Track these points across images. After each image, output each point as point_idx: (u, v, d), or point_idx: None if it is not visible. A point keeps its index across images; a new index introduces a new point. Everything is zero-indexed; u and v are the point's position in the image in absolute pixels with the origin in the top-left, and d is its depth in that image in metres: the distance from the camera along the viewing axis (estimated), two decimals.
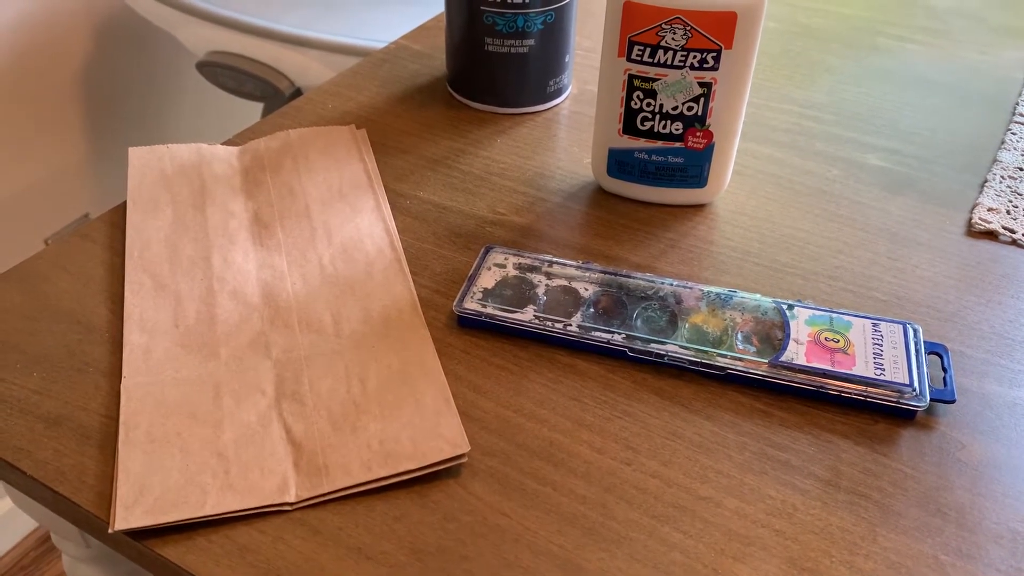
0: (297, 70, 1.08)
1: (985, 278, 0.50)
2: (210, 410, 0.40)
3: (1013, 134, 0.62)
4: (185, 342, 0.44)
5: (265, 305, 0.46)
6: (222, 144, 0.59)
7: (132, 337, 0.44)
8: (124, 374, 0.42)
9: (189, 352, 0.43)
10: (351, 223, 0.52)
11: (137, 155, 0.56)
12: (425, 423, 0.40)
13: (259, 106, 1.25)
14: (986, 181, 0.57)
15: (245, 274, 0.48)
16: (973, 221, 0.54)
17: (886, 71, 0.70)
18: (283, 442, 0.39)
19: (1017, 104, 0.66)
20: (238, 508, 0.36)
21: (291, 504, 0.37)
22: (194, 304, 0.46)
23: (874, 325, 0.44)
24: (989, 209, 0.55)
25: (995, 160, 0.60)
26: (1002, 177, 0.58)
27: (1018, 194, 0.56)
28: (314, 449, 0.39)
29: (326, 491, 0.37)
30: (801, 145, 0.61)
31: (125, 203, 0.53)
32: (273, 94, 1.14)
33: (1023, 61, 0.72)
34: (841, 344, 0.43)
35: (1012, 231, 0.53)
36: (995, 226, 0.53)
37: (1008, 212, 0.55)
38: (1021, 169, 0.59)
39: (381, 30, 1.04)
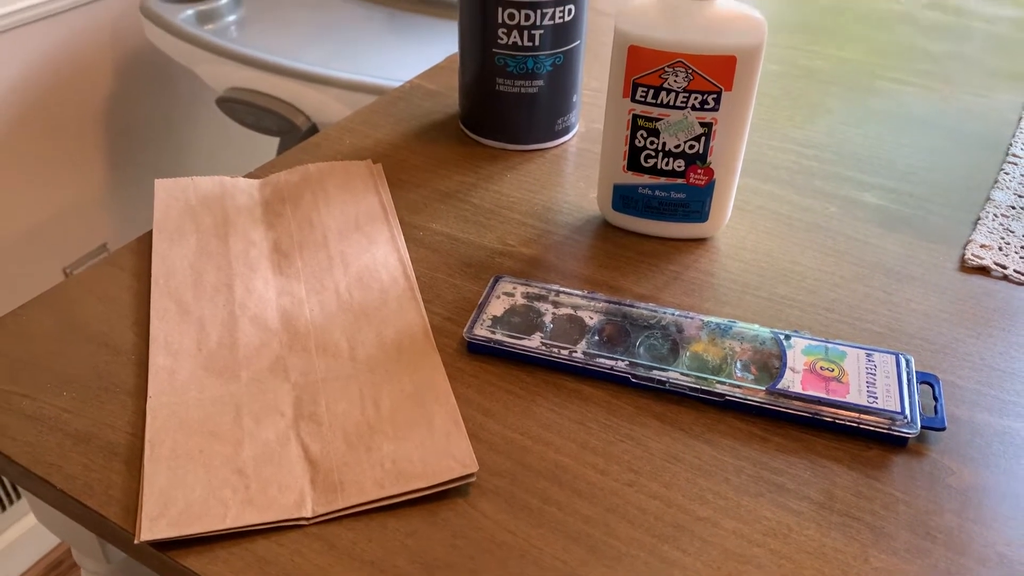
0: (314, 107, 1.12)
1: (977, 312, 0.52)
2: (231, 429, 0.42)
3: (1006, 174, 0.64)
4: (208, 365, 0.46)
5: (284, 330, 0.48)
6: (244, 177, 0.61)
7: (157, 359, 0.46)
8: (149, 394, 0.44)
9: (211, 374, 0.45)
10: (367, 253, 0.54)
11: (163, 186, 0.59)
12: (436, 444, 0.41)
13: (275, 141, 1.28)
14: (979, 219, 0.59)
15: (265, 301, 0.50)
16: (966, 257, 0.56)
17: (884, 113, 0.73)
18: (300, 460, 0.41)
19: (1011, 145, 0.68)
20: (257, 522, 0.38)
21: (308, 519, 0.39)
22: (216, 329, 0.48)
23: (868, 355, 0.46)
24: (982, 245, 0.57)
25: (988, 198, 0.62)
26: (995, 215, 0.60)
27: (1010, 231, 0.58)
28: (330, 467, 0.40)
29: (341, 507, 0.39)
30: (801, 183, 0.63)
31: (149, 232, 0.56)
32: (290, 129, 1.17)
33: (1017, 104, 0.74)
34: (836, 373, 0.45)
35: (1004, 267, 0.55)
36: (987, 262, 0.55)
37: (1000, 248, 0.57)
38: (1013, 207, 0.61)
39: (396, 69, 1.08)
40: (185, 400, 0.44)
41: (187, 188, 0.59)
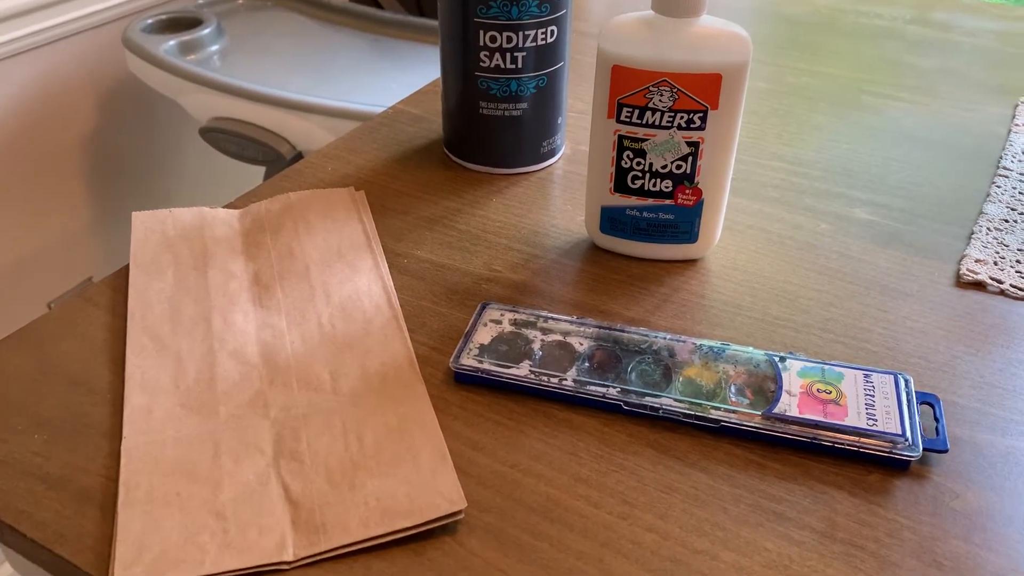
0: (298, 135, 1.11)
1: (974, 328, 0.51)
2: (209, 469, 0.41)
3: (998, 187, 0.64)
4: (185, 402, 0.44)
5: (264, 364, 0.47)
6: (223, 207, 0.60)
7: (133, 398, 0.45)
8: (125, 434, 0.43)
9: (189, 412, 0.44)
10: (350, 282, 0.53)
11: (140, 219, 0.58)
12: (422, 480, 0.40)
13: (261, 170, 1.27)
14: (972, 233, 0.59)
15: (245, 334, 0.49)
16: (961, 272, 0.55)
17: (873, 128, 0.72)
18: (281, 500, 0.39)
19: (1001, 158, 0.67)
20: (236, 567, 0.36)
21: (289, 563, 0.37)
22: (194, 364, 0.47)
23: (866, 376, 0.45)
24: (976, 260, 0.56)
25: (981, 212, 0.61)
26: (988, 229, 0.59)
27: (1004, 245, 0.57)
28: (312, 507, 0.39)
29: (324, 549, 0.37)
30: (790, 200, 0.62)
31: (127, 267, 0.54)
32: (275, 158, 1.16)
33: (1005, 117, 0.74)
34: (833, 395, 0.44)
35: (1000, 281, 0.54)
36: (983, 277, 0.54)
37: (995, 263, 0.56)
38: (1007, 221, 0.60)
39: (380, 95, 1.07)
40: (162, 440, 0.42)
41: (165, 220, 0.58)
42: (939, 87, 0.79)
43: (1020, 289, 0.54)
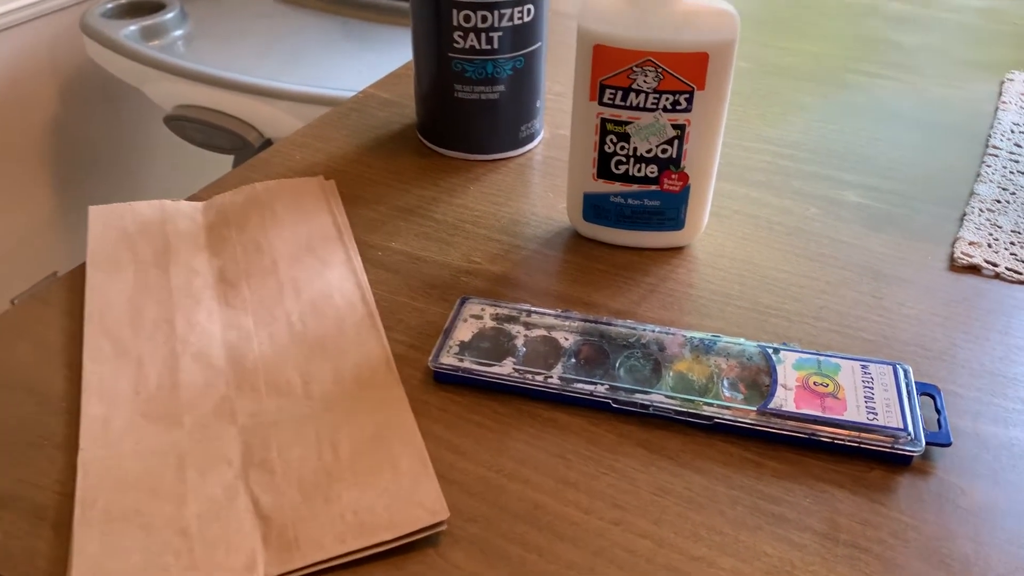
0: (266, 122, 1.07)
1: (972, 314, 0.49)
2: (173, 484, 0.38)
3: (988, 166, 0.62)
4: (146, 411, 0.42)
5: (230, 368, 0.44)
6: (186, 200, 0.57)
7: (90, 407, 0.42)
8: (81, 447, 0.40)
9: (150, 421, 0.41)
10: (320, 278, 0.50)
11: (97, 214, 0.55)
12: (401, 489, 0.38)
13: (231, 159, 1.24)
14: (965, 214, 0.57)
15: (210, 336, 0.46)
16: (955, 256, 0.53)
17: (858, 107, 0.70)
18: (250, 515, 0.37)
19: (990, 136, 0.66)
20: None
21: None
22: (156, 369, 0.44)
23: (863, 367, 0.43)
24: (970, 243, 0.54)
25: (972, 193, 0.59)
26: (980, 210, 0.57)
27: (998, 227, 0.56)
28: (284, 522, 0.36)
29: (297, 567, 0.35)
30: (777, 184, 0.60)
31: (83, 265, 0.51)
32: (243, 146, 1.13)
33: (991, 94, 0.72)
34: (831, 388, 0.42)
35: (995, 264, 0.52)
36: (978, 260, 0.52)
37: (989, 245, 0.54)
38: (999, 201, 0.58)
39: (351, 79, 1.04)
40: (121, 452, 0.39)
41: (124, 215, 0.55)
42: (924, 65, 0.77)
43: (1016, 272, 0.52)
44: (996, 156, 0.63)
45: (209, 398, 0.42)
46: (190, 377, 0.43)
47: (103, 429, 0.41)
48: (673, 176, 0.51)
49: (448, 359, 0.44)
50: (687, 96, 0.48)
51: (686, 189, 0.51)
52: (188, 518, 0.36)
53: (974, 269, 0.52)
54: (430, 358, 0.44)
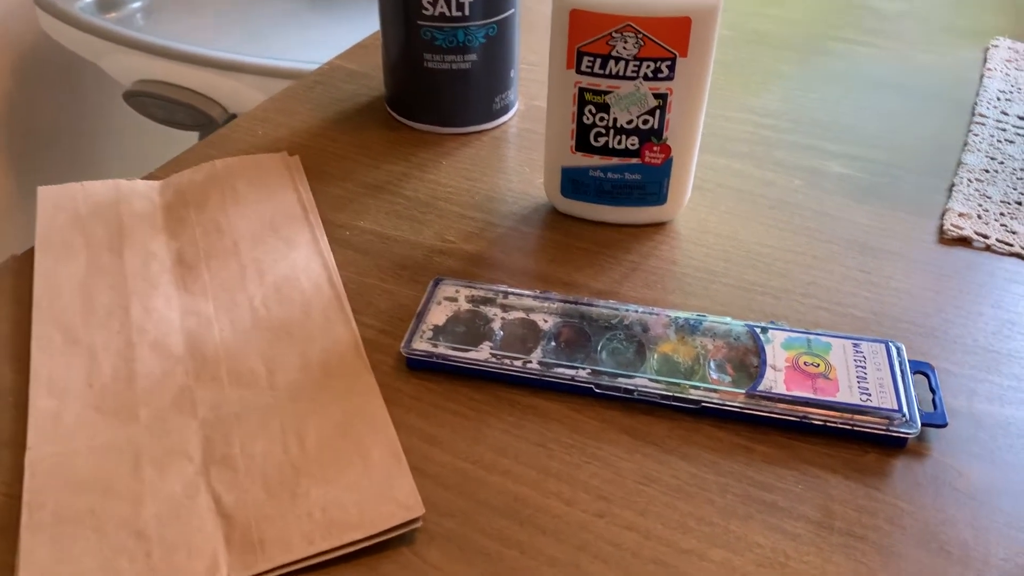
0: (229, 96, 1.04)
1: (963, 288, 0.47)
2: (129, 483, 0.36)
3: (975, 135, 0.60)
4: (100, 404, 0.39)
5: (190, 357, 0.41)
6: (142, 179, 0.54)
7: (39, 401, 0.39)
8: (29, 445, 0.37)
9: (105, 416, 0.38)
10: (285, 259, 0.47)
11: (47, 195, 0.51)
12: (373, 485, 0.35)
13: (195, 136, 1.19)
14: (953, 185, 0.55)
15: (168, 323, 0.43)
16: (945, 228, 0.51)
17: (840, 75, 0.68)
18: (212, 515, 0.34)
19: (975, 104, 0.64)
20: None
21: None
22: (110, 359, 0.41)
23: (855, 345, 0.41)
24: (960, 215, 0.52)
25: (960, 163, 0.58)
26: (969, 180, 0.56)
27: (987, 197, 0.54)
28: (248, 522, 0.34)
29: (262, 570, 0.33)
30: (760, 155, 0.58)
31: (31, 249, 0.48)
32: (207, 123, 1.09)
33: (976, 60, 0.71)
34: (822, 368, 0.40)
35: (985, 236, 0.51)
36: (967, 232, 0.51)
37: (979, 216, 0.52)
38: (987, 171, 0.57)
39: (317, 51, 1.00)
40: (72, 449, 0.37)
41: (76, 195, 0.51)
42: (906, 31, 0.76)
43: (1007, 244, 0.50)
44: (983, 124, 0.62)
45: (167, 390, 0.40)
46: (147, 367, 0.41)
47: (53, 424, 0.38)
48: (655, 148, 0.48)
49: (421, 344, 0.42)
50: (669, 63, 0.46)
51: (668, 162, 0.49)
52: (145, 519, 0.34)
53: (964, 241, 0.51)
54: (402, 343, 0.42)
